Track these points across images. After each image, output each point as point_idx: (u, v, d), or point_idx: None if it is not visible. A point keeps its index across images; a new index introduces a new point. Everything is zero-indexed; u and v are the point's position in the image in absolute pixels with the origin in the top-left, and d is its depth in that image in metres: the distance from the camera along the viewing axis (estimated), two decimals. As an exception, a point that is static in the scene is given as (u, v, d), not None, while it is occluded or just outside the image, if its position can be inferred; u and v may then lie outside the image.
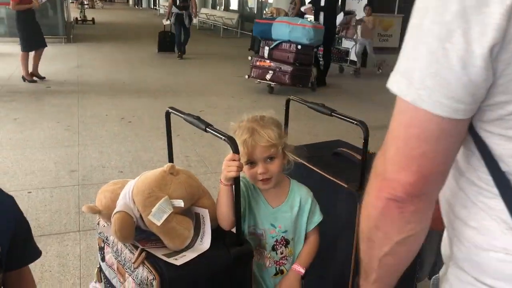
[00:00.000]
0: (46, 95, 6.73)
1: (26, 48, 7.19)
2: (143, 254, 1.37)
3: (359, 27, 8.94)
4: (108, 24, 18.63)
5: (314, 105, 1.85)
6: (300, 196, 1.57)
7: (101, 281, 1.67)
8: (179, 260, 1.35)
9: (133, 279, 1.39)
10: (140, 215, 1.40)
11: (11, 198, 1.14)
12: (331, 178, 1.86)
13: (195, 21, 11.81)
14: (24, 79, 7.32)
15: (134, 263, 1.38)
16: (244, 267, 1.43)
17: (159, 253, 1.37)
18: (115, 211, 1.41)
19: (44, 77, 7.55)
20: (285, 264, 1.58)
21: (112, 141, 4.89)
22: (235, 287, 1.42)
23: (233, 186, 1.38)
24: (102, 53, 10.63)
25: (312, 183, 1.68)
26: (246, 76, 7.57)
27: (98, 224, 1.62)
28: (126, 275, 1.44)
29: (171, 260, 1.35)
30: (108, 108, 6.18)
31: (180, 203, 1.38)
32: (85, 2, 21.33)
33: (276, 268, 1.57)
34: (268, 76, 7.22)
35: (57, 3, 11.92)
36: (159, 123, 5.26)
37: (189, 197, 1.43)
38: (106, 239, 1.56)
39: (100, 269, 1.66)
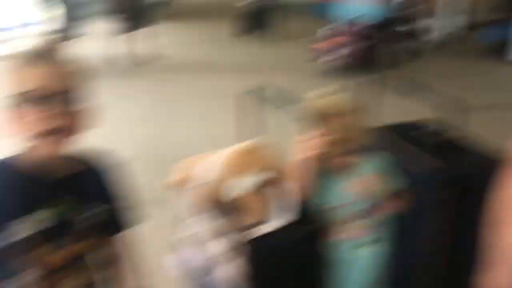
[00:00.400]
0: (143, 72, 7.05)
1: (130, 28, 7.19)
2: (227, 225, 1.47)
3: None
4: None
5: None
6: (370, 167, 1.62)
7: (182, 251, 1.72)
8: (257, 233, 1.44)
9: (213, 249, 1.50)
10: (221, 187, 1.47)
11: (118, 166, 1.26)
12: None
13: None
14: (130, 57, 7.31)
15: (214, 232, 1.49)
16: (316, 244, 1.49)
17: (240, 225, 1.46)
18: (198, 184, 1.51)
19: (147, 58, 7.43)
20: (366, 235, 1.64)
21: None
22: (306, 263, 1.48)
23: (310, 164, 1.45)
24: (188, 33, 10.60)
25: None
26: (311, 58, 7.01)
27: (181, 196, 1.68)
28: (208, 244, 1.54)
29: (250, 233, 1.44)
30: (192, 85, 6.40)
31: (260, 177, 1.44)
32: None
33: (356, 240, 1.62)
34: (332, 56, 6.73)
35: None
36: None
37: (269, 170, 1.49)
38: (189, 210, 1.65)
39: (183, 239, 1.72)
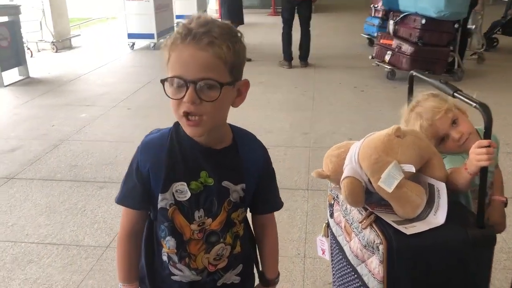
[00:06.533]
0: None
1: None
2: (372, 216, 1.35)
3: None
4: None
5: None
6: None
7: (328, 236, 1.71)
8: (409, 230, 1.29)
9: (359, 240, 1.38)
10: (369, 179, 1.36)
11: (264, 149, 1.25)
12: None
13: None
14: None
15: (361, 223, 1.36)
16: (484, 253, 1.32)
17: (388, 219, 1.33)
18: (343, 176, 1.40)
19: None
20: None
21: (344, 109, 5.12)
22: (469, 275, 1.32)
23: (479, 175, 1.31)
24: (340, 23, 10.72)
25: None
26: (370, 56, 6.79)
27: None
28: (353, 234, 1.43)
29: (400, 228, 1.29)
30: (342, 76, 6.47)
31: (410, 168, 1.31)
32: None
33: None
34: (387, 58, 6.28)
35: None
36: (390, 93, 5.56)
37: (419, 159, 1.35)
38: (337, 196, 1.58)
39: (328, 225, 1.70)
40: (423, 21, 5.83)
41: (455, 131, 1.50)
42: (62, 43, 8.76)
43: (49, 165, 3.73)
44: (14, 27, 6.40)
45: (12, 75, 6.38)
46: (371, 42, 8.52)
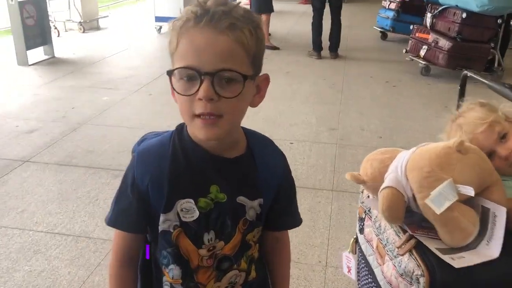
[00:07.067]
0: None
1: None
2: (412, 241, 1.15)
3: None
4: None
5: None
6: None
7: (355, 253, 1.52)
8: (456, 261, 1.08)
9: (394, 266, 1.18)
10: (413, 195, 1.15)
11: (283, 156, 1.07)
12: None
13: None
14: None
15: (398, 248, 1.16)
16: None
17: (432, 246, 1.12)
18: (383, 185, 1.20)
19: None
20: None
21: (373, 104, 4.86)
22: None
23: None
24: (374, 14, 10.51)
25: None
26: (404, 50, 6.43)
27: (362, 192, 1.45)
28: (387, 257, 1.23)
29: (446, 259, 1.08)
30: (373, 70, 6.21)
31: (469, 191, 1.09)
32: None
33: None
34: (422, 52, 5.91)
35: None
36: (424, 90, 5.30)
37: (479, 183, 1.14)
38: (369, 210, 1.38)
39: (356, 241, 1.51)
40: (464, 15, 5.47)
41: (503, 147, 1.27)
42: (89, 24, 8.68)
43: (65, 149, 3.63)
44: (41, 6, 6.32)
45: (37, 54, 6.32)
46: (384, 35, 8.22)
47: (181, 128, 0.96)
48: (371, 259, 1.37)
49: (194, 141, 0.93)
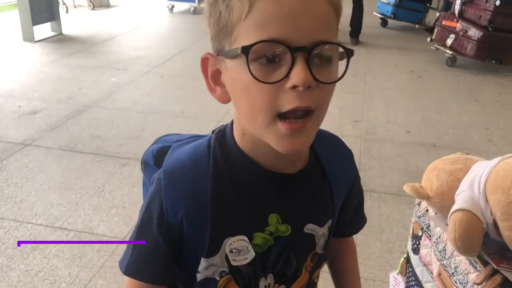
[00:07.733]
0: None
1: None
2: (497, 277, 0.90)
3: None
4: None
5: None
6: None
7: (405, 275, 1.29)
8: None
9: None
10: (494, 221, 0.91)
11: (352, 156, 0.84)
12: None
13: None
14: None
15: (479, 284, 0.92)
16: None
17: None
18: (456, 207, 0.96)
19: None
20: None
21: (399, 95, 4.57)
22: None
23: None
24: None
25: None
26: (428, 39, 6.08)
27: (418, 204, 1.22)
28: None
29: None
30: (397, 58, 5.90)
31: None
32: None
33: None
34: (449, 41, 5.55)
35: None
36: (451, 82, 5.00)
37: None
38: (427, 227, 1.15)
39: (407, 261, 1.27)
40: (497, 2, 5.13)
41: None
42: (99, 1, 8.41)
43: (70, 133, 3.38)
44: (49, -21, 6.05)
45: (44, 30, 6.05)
46: (384, 22, 7.87)
47: (221, 135, 0.70)
48: (428, 286, 1.14)
49: (245, 153, 0.66)
